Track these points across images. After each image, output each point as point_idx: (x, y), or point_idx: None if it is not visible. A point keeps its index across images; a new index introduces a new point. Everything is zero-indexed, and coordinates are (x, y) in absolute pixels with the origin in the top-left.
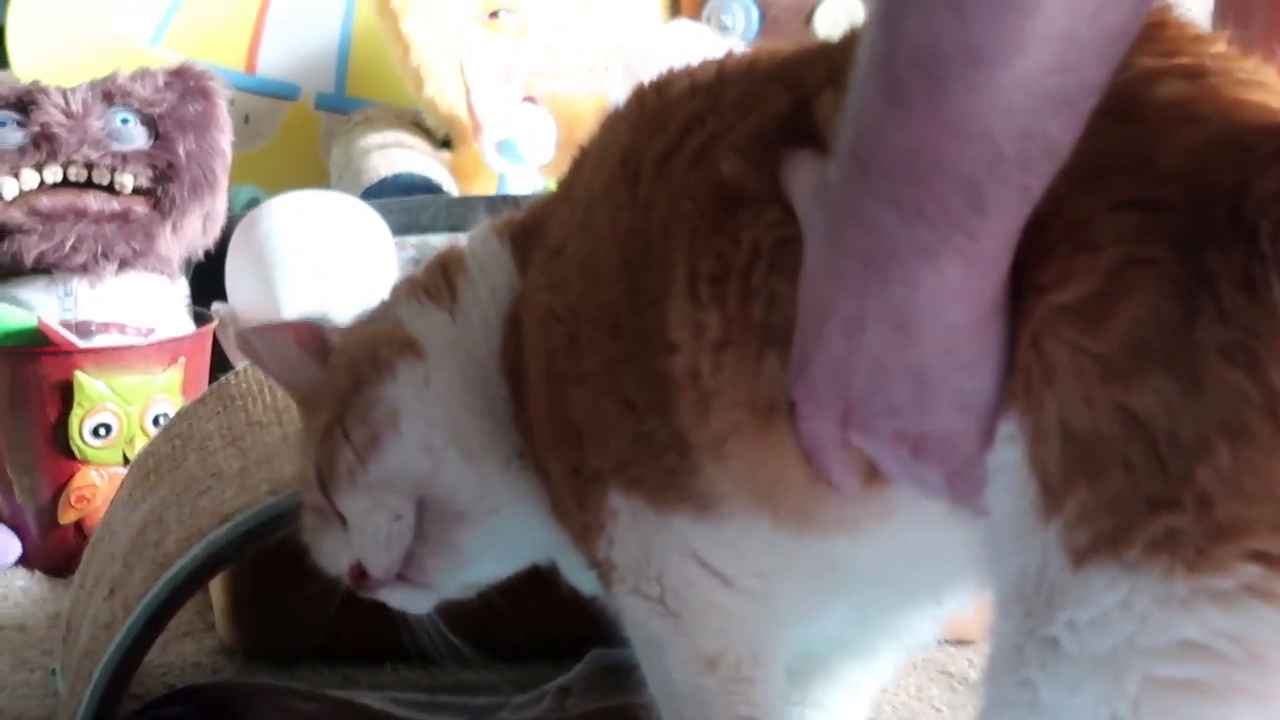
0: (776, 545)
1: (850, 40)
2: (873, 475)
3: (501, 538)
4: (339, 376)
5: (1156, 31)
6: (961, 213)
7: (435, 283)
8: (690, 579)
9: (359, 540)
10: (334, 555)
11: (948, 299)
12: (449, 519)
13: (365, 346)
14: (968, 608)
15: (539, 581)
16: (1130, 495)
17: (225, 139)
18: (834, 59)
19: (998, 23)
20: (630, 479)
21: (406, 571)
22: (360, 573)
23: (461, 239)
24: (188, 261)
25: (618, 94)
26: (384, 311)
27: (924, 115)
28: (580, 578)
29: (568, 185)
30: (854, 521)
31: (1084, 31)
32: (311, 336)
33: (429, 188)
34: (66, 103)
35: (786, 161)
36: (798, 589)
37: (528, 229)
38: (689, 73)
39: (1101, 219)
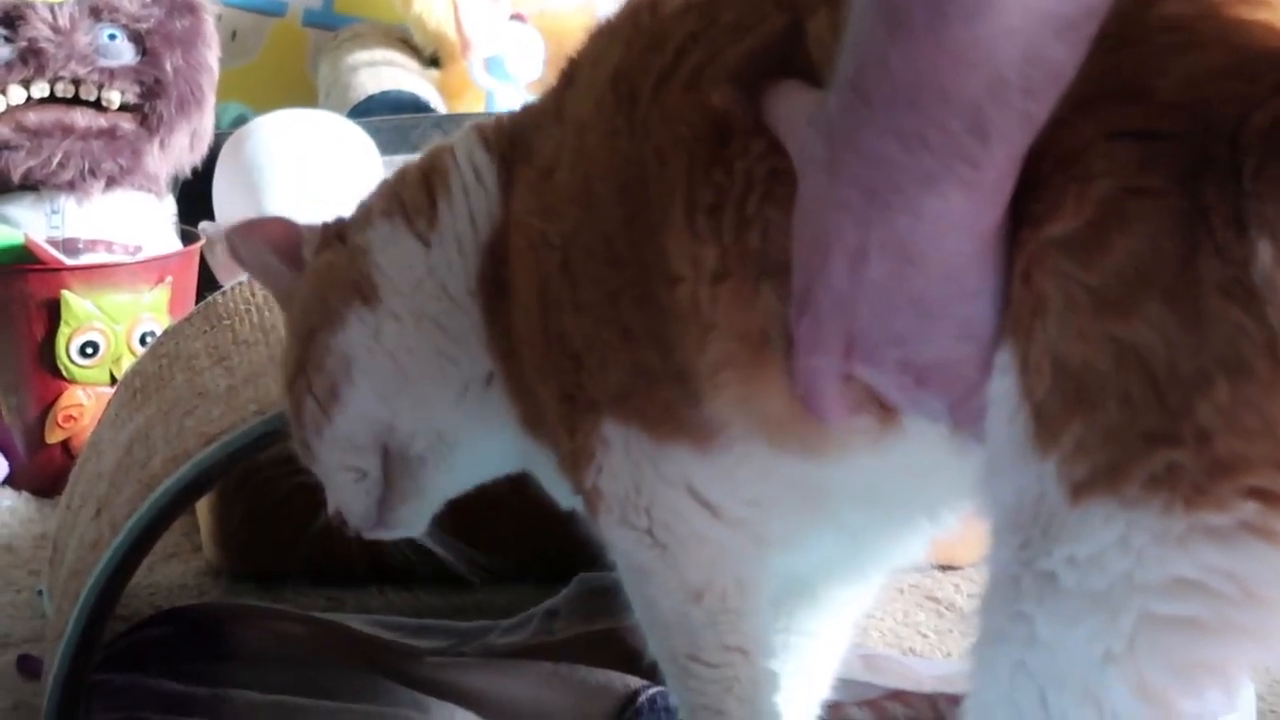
0: (771, 472)
1: None
2: (860, 406)
3: (468, 465)
4: (298, 315)
5: None
6: (964, 140)
7: (417, 200)
8: (680, 511)
9: (333, 494)
10: (324, 490)
11: (951, 227)
12: (412, 465)
13: (319, 288)
14: (956, 531)
15: (524, 505)
16: (1128, 429)
17: (212, 55)
18: None
19: None
20: (629, 408)
21: (383, 519)
22: (343, 519)
23: (451, 139)
24: (175, 179)
25: (606, 10)
26: (360, 222)
27: (925, 42)
28: (558, 490)
29: (556, 100)
30: (851, 444)
31: None
32: (286, 237)
33: (417, 106)
34: (54, 18)
35: (770, 93)
36: (788, 517)
37: (514, 141)
38: None
39: (1097, 148)
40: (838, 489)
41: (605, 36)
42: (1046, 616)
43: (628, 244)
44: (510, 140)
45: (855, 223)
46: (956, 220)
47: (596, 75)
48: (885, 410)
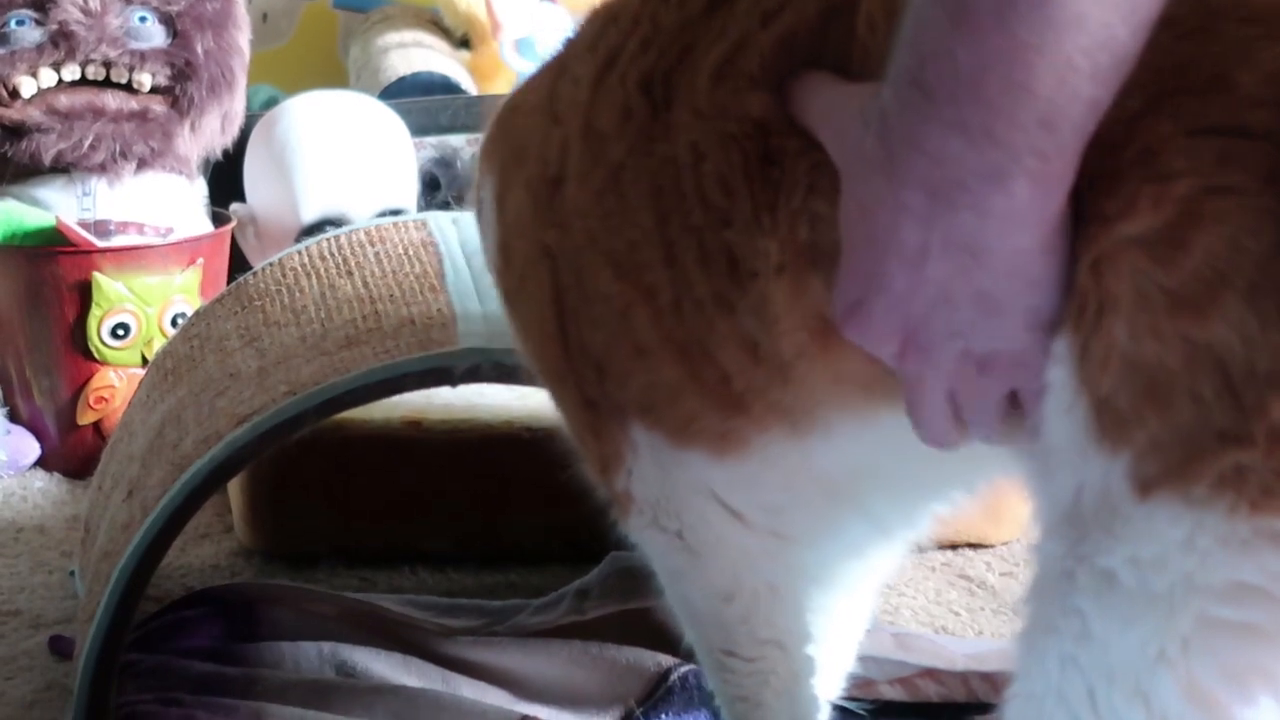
0: (799, 472)
1: None
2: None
3: None
4: None
5: None
6: (1033, 132)
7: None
8: (705, 516)
9: None
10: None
11: (1017, 221)
12: None
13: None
14: (986, 508)
15: (555, 484)
16: (1201, 428)
17: (243, 37)
18: None
19: None
20: (652, 418)
21: None
22: None
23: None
24: (206, 161)
25: None
26: None
27: (993, 33)
28: None
29: (547, 91)
30: None
31: None
32: None
33: (448, 87)
34: (85, 1)
35: (801, 87)
36: (816, 515)
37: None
38: None
39: (1175, 144)
40: (876, 475)
41: (609, 23)
42: (1101, 613)
43: (661, 246)
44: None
45: (916, 223)
46: (1023, 215)
47: (609, 83)
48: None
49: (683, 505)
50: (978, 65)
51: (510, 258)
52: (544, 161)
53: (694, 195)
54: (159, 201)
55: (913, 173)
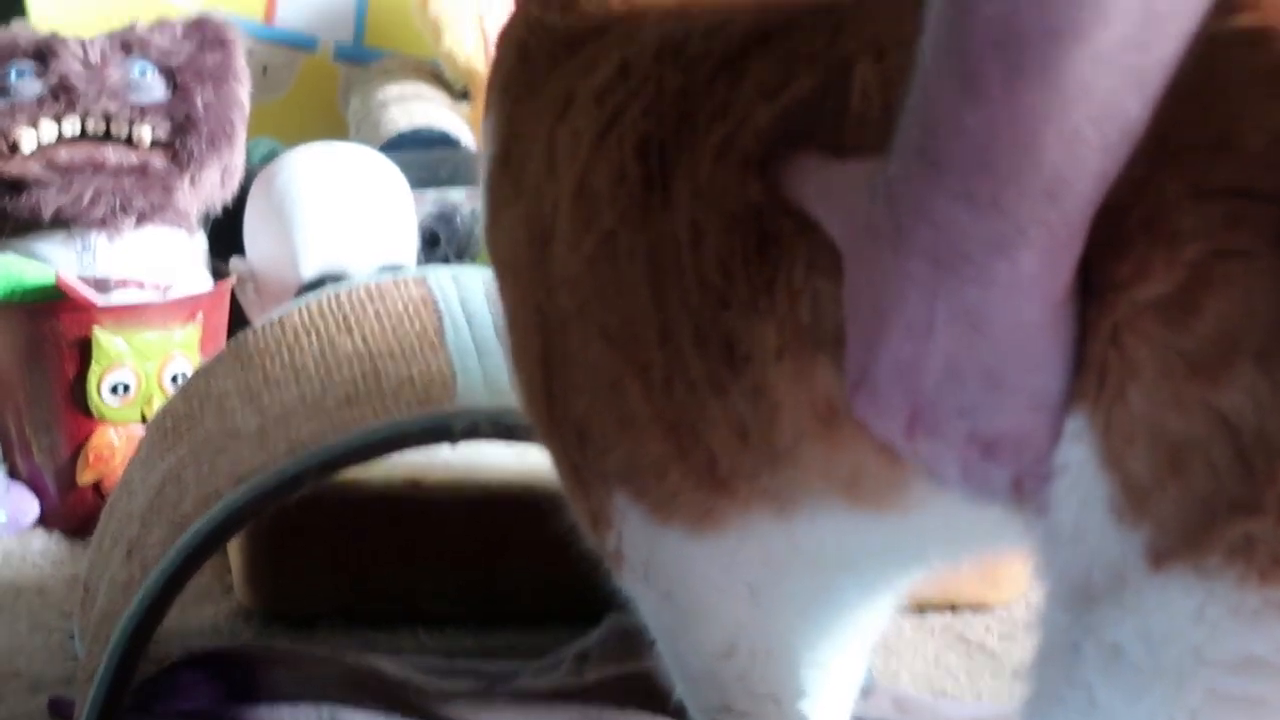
0: (783, 551)
1: None
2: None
3: None
4: None
5: None
6: (1038, 202)
7: None
8: (690, 584)
9: None
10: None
11: (1022, 293)
12: None
13: None
14: (985, 571)
15: (555, 544)
16: (1215, 498)
17: (243, 90)
18: (869, 20)
19: None
20: (634, 488)
21: None
22: None
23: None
24: (206, 216)
25: None
26: None
27: (1001, 101)
28: None
29: (534, 141)
30: (927, 495)
31: (1162, 1)
32: None
33: (448, 141)
34: (85, 53)
35: (794, 169)
36: (804, 584)
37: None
38: (706, 33)
39: (1183, 206)
40: (864, 549)
41: (620, 75)
42: (1109, 686)
43: (656, 323)
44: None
45: (920, 294)
46: (1028, 286)
47: (609, 142)
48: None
49: (670, 571)
50: (986, 133)
51: (503, 286)
52: (539, 208)
53: (692, 275)
54: (158, 257)
55: (919, 243)
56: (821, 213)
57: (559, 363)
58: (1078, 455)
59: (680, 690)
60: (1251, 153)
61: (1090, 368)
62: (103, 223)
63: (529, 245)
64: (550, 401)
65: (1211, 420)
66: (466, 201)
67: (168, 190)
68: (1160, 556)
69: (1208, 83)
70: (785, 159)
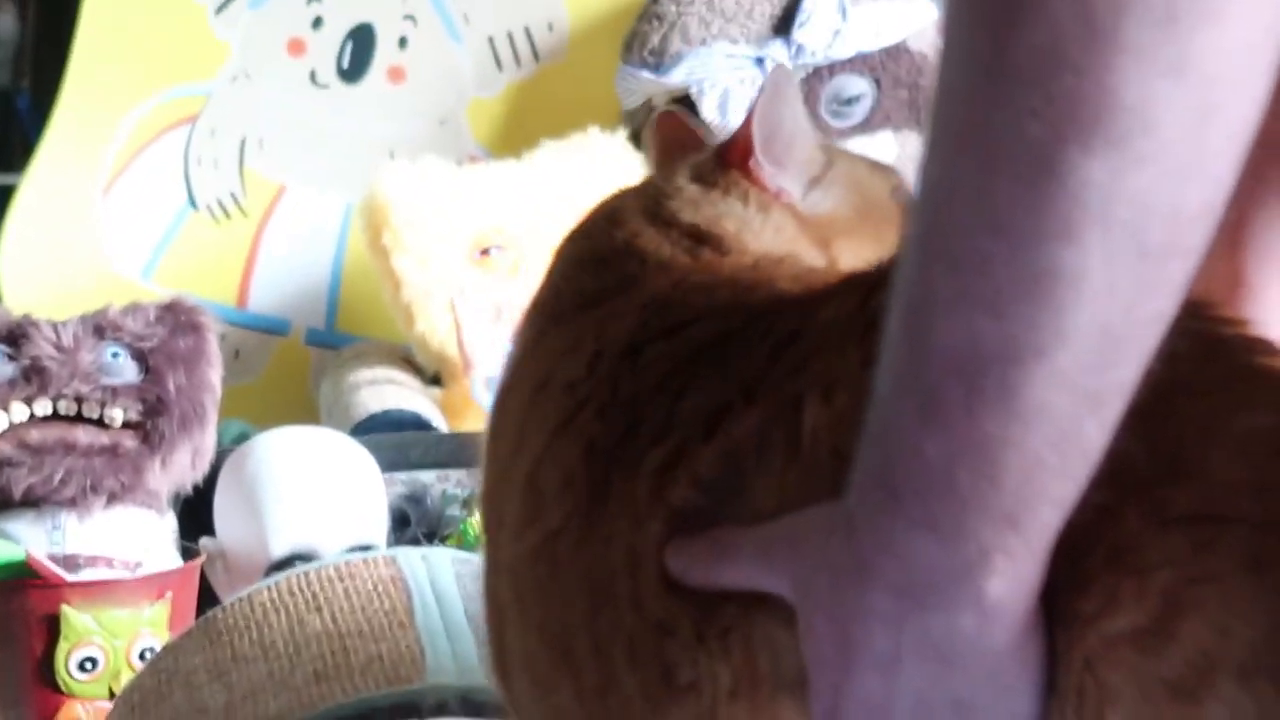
0: None
1: (839, 335)
2: None
3: None
4: None
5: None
6: (1000, 529)
7: None
8: None
9: None
10: None
11: (988, 622)
12: None
13: None
14: None
15: None
16: None
17: (215, 374)
18: (818, 356)
19: (1036, 316)
20: None
21: None
22: None
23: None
24: (176, 496)
25: None
26: None
27: (961, 427)
28: None
29: (531, 392)
30: None
31: (1120, 324)
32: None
33: (418, 424)
34: (57, 336)
35: (717, 547)
36: None
37: None
38: (668, 345)
39: (1146, 538)
40: None
41: (595, 361)
42: None
43: (589, 635)
44: None
45: (886, 628)
46: (992, 614)
47: (568, 438)
48: None
49: None
50: (945, 461)
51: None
52: (504, 478)
53: (627, 601)
54: (128, 536)
55: (881, 576)
56: (761, 572)
57: (503, 645)
58: None
59: None
60: (1214, 473)
61: (1067, 693)
62: (73, 502)
63: (489, 509)
64: (505, 679)
65: None
66: (437, 483)
67: (138, 471)
68: None
69: (1158, 404)
70: (694, 546)
